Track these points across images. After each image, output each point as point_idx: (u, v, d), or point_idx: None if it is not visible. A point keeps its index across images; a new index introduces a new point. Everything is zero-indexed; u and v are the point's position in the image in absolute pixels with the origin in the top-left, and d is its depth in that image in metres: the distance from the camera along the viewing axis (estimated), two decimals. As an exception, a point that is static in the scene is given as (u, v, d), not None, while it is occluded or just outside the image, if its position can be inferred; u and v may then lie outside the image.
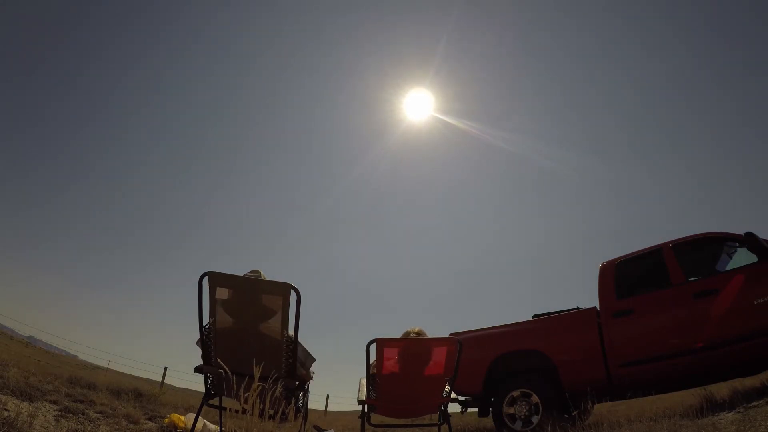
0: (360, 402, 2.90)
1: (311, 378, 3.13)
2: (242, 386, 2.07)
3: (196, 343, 2.85)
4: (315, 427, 4.17)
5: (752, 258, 4.09)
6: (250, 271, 3.01)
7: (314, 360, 3.12)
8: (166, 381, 15.39)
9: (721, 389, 4.31)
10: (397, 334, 3.08)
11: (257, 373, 2.06)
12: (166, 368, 15.61)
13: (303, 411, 2.96)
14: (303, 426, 2.85)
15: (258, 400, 2.03)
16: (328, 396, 18.57)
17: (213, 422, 3.75)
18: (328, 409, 18.08)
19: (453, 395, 2.96)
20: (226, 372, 2.27)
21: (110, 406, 3.97)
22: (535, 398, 4.51)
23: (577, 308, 5.04)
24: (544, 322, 5.05)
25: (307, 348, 3.04)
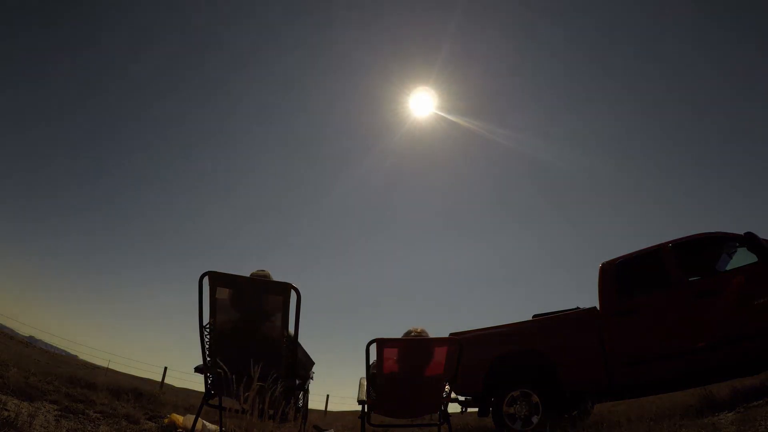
0: (360, 402, 2.90)
1: (311, 378, 3.12)
2: (242, 386, 2.07)
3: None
4: (315, 427, 4.18)
5: (752, 258, 4.09)
6: (258, 270, 2.99)
7: (314, 363, 3.12)
8: (166, 381, 15.41)
9: (721, 389, 4.31)
10: (397, 334, 3.08)
11: (257, 373, 2.06)
12: (166, 368, 15.64)
13: (303, 411, 2.96)
14: (303, 426, 2.84)
15: (258, 400, 2.03)
16: (328, 396, 18.58)
17: (213, 422, 3.75)
18: (328, 409, 18.07)
19: (453, 395, 2.96)
20: (226, 372, 2.26)
21: (110, 406, 3.97)
22: (535, 398, 4.51)
23: (577, 308, 5.03)
24: (544, 322, 5.05)
25: (306, 351, 3.04)
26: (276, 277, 2.95)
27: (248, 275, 2.86)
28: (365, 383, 2.87)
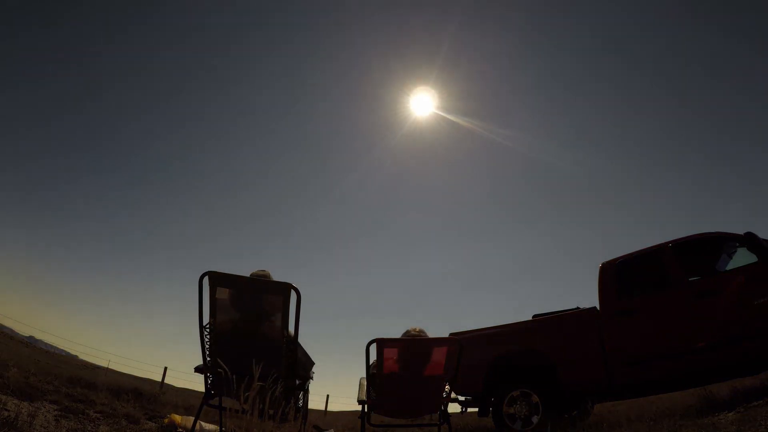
0: (360, 402, 2.90)
1: (311, 378, 3.12)
2: (242, 386, 2.07)
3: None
4: (315, 427, 4.18)
5: (752, 258, 4.10)
6: (258, 270, 3.00)
7: (313, 363, 3.12)
8: (166, 381, 15.41)
9: (721, 389, 4.31)
10: (397, 334, 3.08)
11: (257, 372, 2.06)
12: (166, 368, 15.63)
13: (303, 411, 2.96)
14: (303, 426, 2.84)
15: (258, 400, 2.03)
16: (328, 396, 18.59)
17: (213, 422, 3.75)
18: (328, 409, 18.08)
19: (453, 395, 2.96)
20: (226, 372, 2.27)
21: (110, 406, 3.97)
22: (535, 398, 4.51)
23: (577, 308, 5.04)
24: (543, 322, 5.05)
25: (306, 351, 3.04)
26: (276, 277, 2.95)
27: (248, 275, 2.86)
28: (365, 383, 2.87)
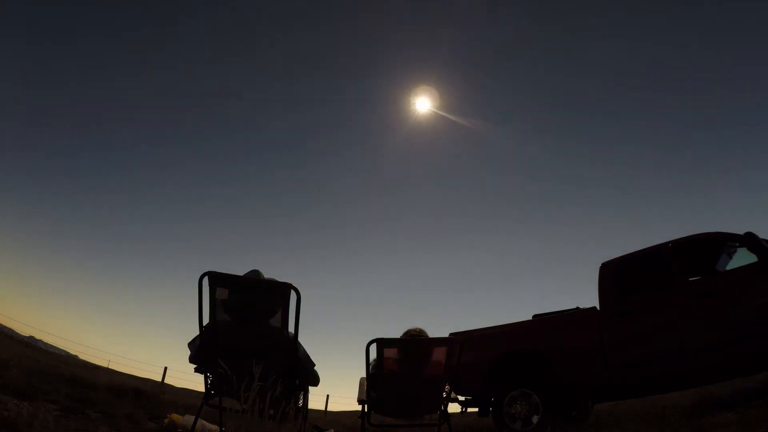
0: (360, 402, 2.91)
1: (313, 380, 3.12)
2: (242, 386, 2.07)
3: (189, 345, 2.82)
4: (315, 427, 4.17)
5: (752, 258, 4.09)
6: (250, 271, 3.01)
7: (314, 364, 3.13)
8: (166, 381, 15.39)
9: (721, 389, 4.31)
10: (397, 334, 3.08)
11: (257, 372, 2.06)
12: (166, 368, 15.60)
13: (303, 411, 2.96)
14: (303, 426, 2.85)
15: (258, 400, 2.03)
16: (328, 396, 18.57)
17: (213, 422, 3.75)
18: (328, 409, 18.07)
19: (453, 395, 2.96)
20: (226, 372, 2.27)
21: (110, 406, 3.97)
22: (535, 398, 4.51)
23: (577, 308, 5.03)
24: (544, 322, 5.05)
25: (306, 351, 3.04)
26: (272, 276, 2.96)
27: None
28: (365, 383, 2.88)
